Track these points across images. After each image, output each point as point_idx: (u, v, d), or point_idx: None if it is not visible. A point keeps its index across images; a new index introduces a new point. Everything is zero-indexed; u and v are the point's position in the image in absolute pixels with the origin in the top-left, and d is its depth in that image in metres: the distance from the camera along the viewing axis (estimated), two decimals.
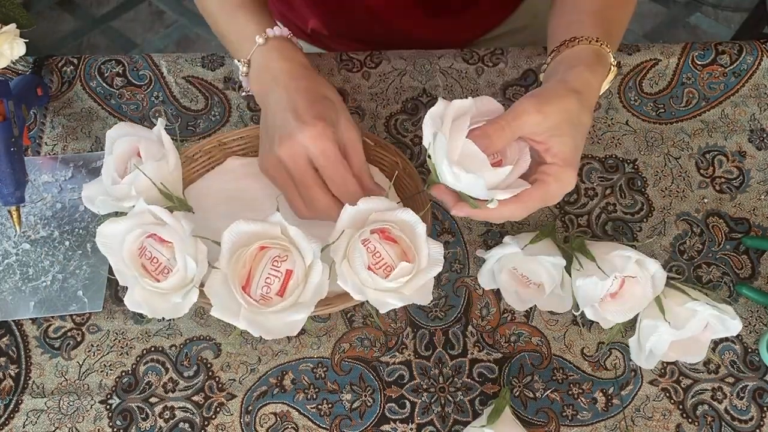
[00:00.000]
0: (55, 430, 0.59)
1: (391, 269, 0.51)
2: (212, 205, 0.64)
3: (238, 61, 0.63)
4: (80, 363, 0.62)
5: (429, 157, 0.52)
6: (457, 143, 0.49)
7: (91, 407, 0.60)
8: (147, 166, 0.55)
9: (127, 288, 0.52)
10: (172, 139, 0.58)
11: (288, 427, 0.60)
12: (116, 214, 0.56)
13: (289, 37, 0.64)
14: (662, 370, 0.62)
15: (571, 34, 0.58)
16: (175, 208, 0.59)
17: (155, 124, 0.59)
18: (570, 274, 0.58)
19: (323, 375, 0.61)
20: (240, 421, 0.60)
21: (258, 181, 0.64)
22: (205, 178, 0.65)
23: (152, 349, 0.63)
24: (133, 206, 0.53)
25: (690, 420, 0.60)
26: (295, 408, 0.60)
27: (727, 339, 0.63)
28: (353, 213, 0.53)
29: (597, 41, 0.57)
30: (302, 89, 0.59)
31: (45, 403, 0.60)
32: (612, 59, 0.58)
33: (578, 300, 0.57)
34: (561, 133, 0.52)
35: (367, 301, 0.51)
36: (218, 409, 0.60)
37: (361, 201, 0.52)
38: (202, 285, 0.52)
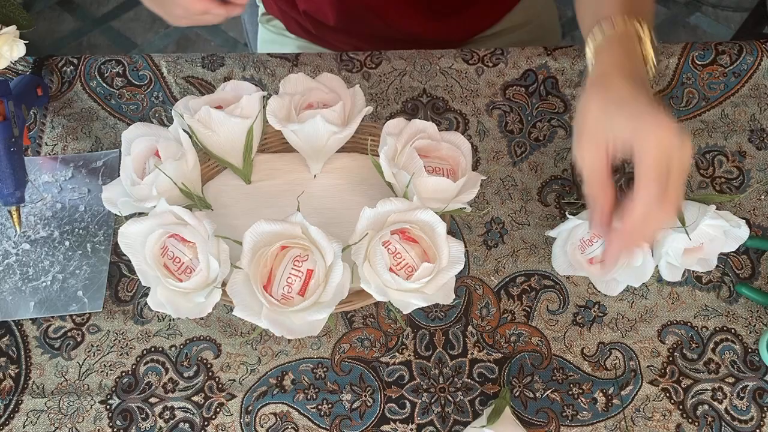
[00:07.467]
0: (55, 430, 0.59)
1: (413, 269, 0.51)
2: (231, 202, 0.63)
3: None
4: (80, 363, 0.62)
5: None
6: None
7: (91, 407, 0.60)
8: (167, 166, 0.55)
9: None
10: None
11: (288, 428, 0.60)
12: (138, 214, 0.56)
13: None
14: (662, 370, 0.62)
15: (592, 24, 0.58)
16: (195, 206, 0.59)
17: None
18: None
19: (323, 375, 0.61)
20: (240, 422, 0.60)
21: (276, 177, 0.64)
22: (222, 175, 0.65)
23: (152, 349, 0.63)
24: (155, 206, 0.53)
25: (690, 420, 0.60)
26: (295, 408, 0.60)
27: (727, 339, 0.63)
28: (373, 214, 0.53)
29: (606, 20, 0.57)
30: None
31: (45, 404, 0.60)
32: (635, 24, 0.56)
33: (656, 251, 0.60)
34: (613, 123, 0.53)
35: (389, 302, 0.51)
36: (218, 410, 0.60)
37: (380, 203, 0.53)
38: (224, 284, 0.52)
